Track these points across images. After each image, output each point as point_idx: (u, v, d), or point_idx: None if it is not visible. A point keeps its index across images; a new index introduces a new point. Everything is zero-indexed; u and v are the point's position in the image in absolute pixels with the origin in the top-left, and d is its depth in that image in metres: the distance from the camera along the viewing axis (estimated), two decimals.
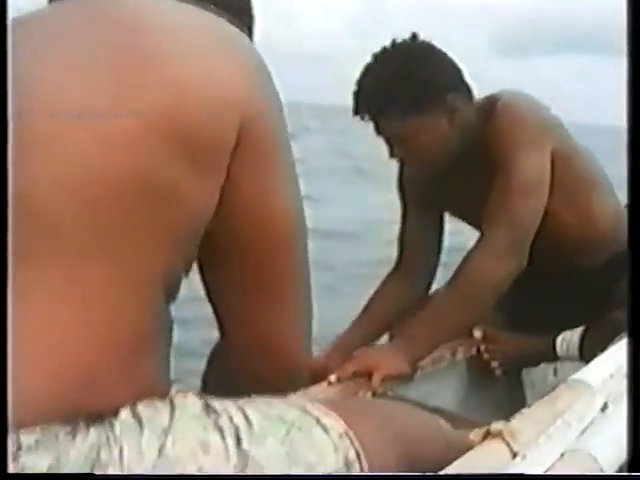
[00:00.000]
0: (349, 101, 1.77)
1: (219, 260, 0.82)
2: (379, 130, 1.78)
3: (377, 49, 1.76)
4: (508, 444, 0.78)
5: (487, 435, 0.80)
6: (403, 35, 1.74)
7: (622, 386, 1.07)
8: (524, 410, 0.94)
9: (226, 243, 0.80)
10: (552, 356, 1.85)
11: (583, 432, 0.90)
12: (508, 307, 1.94)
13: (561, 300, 1.94)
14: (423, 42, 1.76)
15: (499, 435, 0.79)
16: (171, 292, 0.79)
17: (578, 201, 1.88)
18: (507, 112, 1.78)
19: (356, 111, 1.76)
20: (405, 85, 1.70)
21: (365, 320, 1.93)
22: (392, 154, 1.81)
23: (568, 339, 1.85)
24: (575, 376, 1.07)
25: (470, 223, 1.95)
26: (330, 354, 1.81)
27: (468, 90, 1.81)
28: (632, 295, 0.79)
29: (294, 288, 0.86)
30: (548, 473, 0.76)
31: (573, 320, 1.87)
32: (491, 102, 1.81)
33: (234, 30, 0.82)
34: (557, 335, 1.86)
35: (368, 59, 1.76)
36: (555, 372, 1.88)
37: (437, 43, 1.76)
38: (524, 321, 1.93)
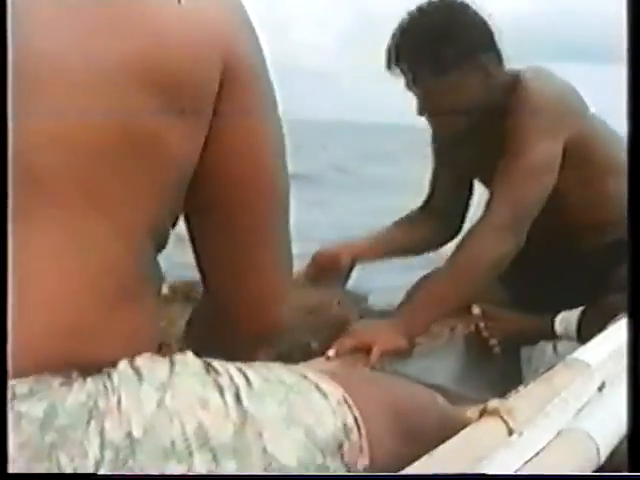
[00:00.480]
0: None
1: (202, 210, 0.82)
2: (410, 85, 1.78)
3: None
4: (505, 422, 0.79)
5: (484, 412, 0.80)
6: None
7: (619, 366, 1.07)
8: (521, 388, 0.94)
9: (210, 192, 0.80)
10: (551, 335, 1.86)
11: (580, 411, 0.90)
12: (512, 284, 1.95)
13: (564, 279, 1.94)
14: (457, 0, 1.77)
15: (496, 412, 0.79)
16: (159, 242, 0.79)
17: (593, 183, 1.88)
18: (528, 93, 1.77)
19: (389, 65, 1.76)
20: (441, 41, 1.71)
21: (379, 235, 2.04)
22: (421, 110, 1.81)
23: (567, 319, 1.85)
24: (573, 355, 1.08)
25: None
26: (340, 246, 1.93)
27: (499, 53, 1.80)
28: (632, 275, 0.79)
29: (276, 240, 0.86)
30: (545, 451, 0.76)
31: (574, 300, 1.88)
32: (514, 78, 1.80)
33: None
34: (556, 314, 1.87)
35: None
36: (555, 349, 1.89)
37: None
38: (527, 299, 1.94)
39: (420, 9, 1.75)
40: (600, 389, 0.99)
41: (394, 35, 1.75)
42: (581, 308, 1.85)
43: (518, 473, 0.72)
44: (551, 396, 0.90)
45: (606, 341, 1.18)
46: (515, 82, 1.79)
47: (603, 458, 0.81)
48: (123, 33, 0.69)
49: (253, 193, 0.81)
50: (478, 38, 1.76)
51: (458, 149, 1.95)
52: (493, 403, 0.80)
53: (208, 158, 0.76)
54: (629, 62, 0.79)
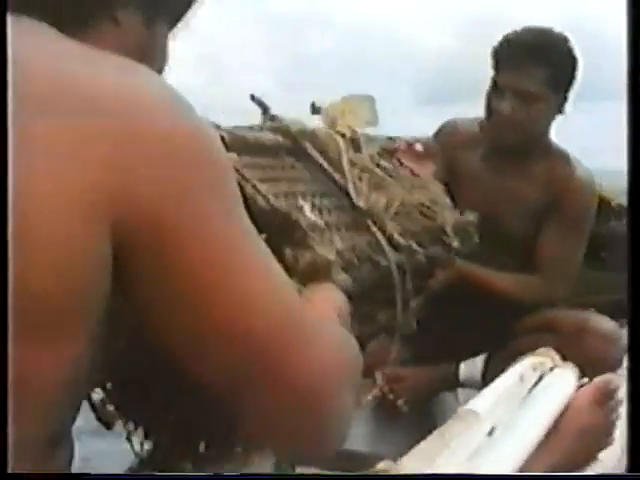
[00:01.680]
0: None
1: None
2: (501, 80, 1.97)
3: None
4: None
5: None
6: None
7: (510, 411, 1.14)
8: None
9: None
10: (455, 384, 1.92)
11: (469, 457, 0.95)
12: (413, 339, 2.02)
13: (465, 327, 2.02)
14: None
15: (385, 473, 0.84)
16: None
17: None
18: (586, 182, 2.10)
19: (496, 58, 1.99)
20: (557, 57, 1.96)
21: None
22: (492, 105, 1.99)
23: (471, 366, 1.92)
24: (466, 406, 1.13)
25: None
26: None
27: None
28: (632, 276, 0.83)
29: None
30: None
31: (476, 348, 1.95)
32: (565, 158, 2.10)
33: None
34: (460, 363, 1.94)
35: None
36: (456, 397, 1.95)
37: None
38: (428, 351, 2.01)
39: (542, 29, 2.01)
40: (490, 434, 1.05)
41: (507, 36, 1.99)
42: (485, 354, 1.93)
43: None
44: (442, 449, 0.96)
45: (497, 388, 1.24)
46: (567, 165, 2.09)
47: None
48: None
49: None
50: (574, 77, 2.01)
51: (472, 159, 2.13)
52: (382, 465, 0.85)
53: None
54: (629, 95, 0.80)
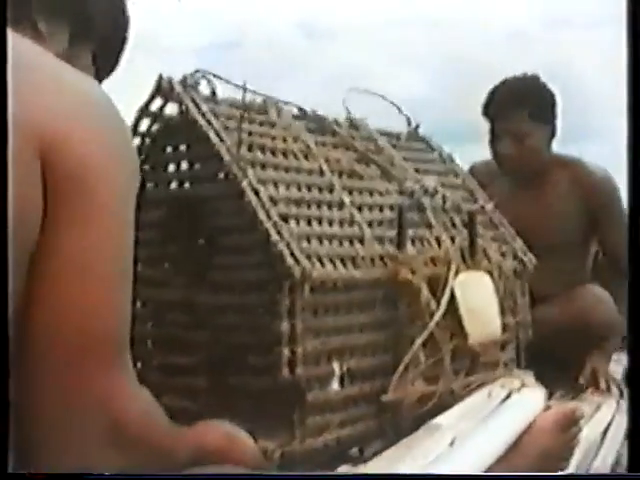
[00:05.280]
0: None
1: None
2: (495, 127, 2.37)
3: None
4: None
5: None
6: None
7: (471, 424, 1.25)
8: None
9: None
10: None
11: (429, 465, 1.06)
12: None
13: None
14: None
15: None
16: None
17: None
18: (603, 174, 2.43)
19: (486, 112, 2.39)
20: (533, 96, 2.35)
21: None
22: (496, 149, 2.38)
23: None
24: (432, 421, 1.24)
25: None
26: None
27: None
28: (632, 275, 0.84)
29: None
30: None
31: None
32: (578, 162, 2.47)
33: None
34: None
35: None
36: None
37: None
38: None
39: (514, 77, 2.40)
40: (451, 444, 1.15)
41: (491, 91, 2.39)
42: None
43: None
44: (405, 456, 1.07)
45: (466, 403, 1.35)
46: (583, 170, 2.43)
47: None
48: None
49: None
50: (555, 108, 2.40)
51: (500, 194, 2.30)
52: (342, 468, 0.95)
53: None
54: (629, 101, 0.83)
